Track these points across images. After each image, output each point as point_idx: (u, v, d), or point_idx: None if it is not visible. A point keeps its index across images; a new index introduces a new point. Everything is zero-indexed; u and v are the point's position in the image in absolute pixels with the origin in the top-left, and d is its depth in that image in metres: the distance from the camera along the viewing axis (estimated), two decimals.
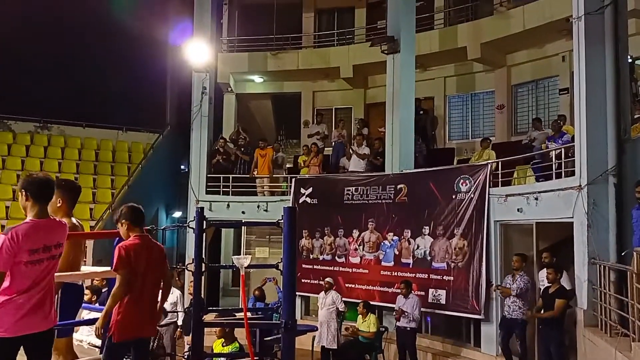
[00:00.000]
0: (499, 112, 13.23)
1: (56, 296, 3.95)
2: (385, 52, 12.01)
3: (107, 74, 18.13)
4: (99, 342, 4.96)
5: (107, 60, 18.47)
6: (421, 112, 13.02)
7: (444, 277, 9.96)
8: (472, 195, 9.78)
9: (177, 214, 19.62)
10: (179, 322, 8.60)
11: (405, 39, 11.94)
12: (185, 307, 8.44)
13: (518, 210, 9.25)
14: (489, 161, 10.14)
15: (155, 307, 4.13)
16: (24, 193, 3.36)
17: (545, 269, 8.48)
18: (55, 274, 3.52)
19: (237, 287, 13.37)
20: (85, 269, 4.49)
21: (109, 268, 4.65)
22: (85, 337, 5.82)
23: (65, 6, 17.45)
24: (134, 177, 16.57)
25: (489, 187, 9.63)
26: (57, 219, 3.53)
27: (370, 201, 11.34)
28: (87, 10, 18.32)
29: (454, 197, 10.02)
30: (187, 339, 7.96)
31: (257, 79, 15.95)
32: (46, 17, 17.34)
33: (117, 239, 4.48)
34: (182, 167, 19.22)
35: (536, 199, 8.96)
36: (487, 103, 13.63)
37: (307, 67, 14.84)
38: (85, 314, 5.53)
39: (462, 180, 9.98)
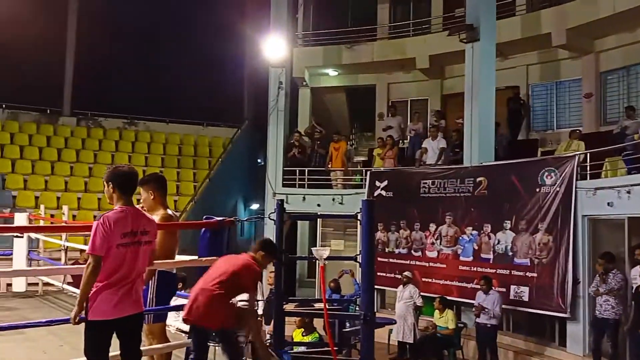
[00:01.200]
0: (587, 101, 12.50)
1: (152, 283, 4.18)
2: (464, 40, 11.67)
3: (188, 72, 18.82)
4: (186, 328, 5.20)
5: (188, 59, 19.17)
6: (521, 101, 12.56)
7: (527, 274, 9.58)
8: (557, 189, 9.33)
9: (255, 206, 20.13)
10: (259, 311, 8.85)
11: (485, 26, 11.54)
12: (264, 297, 8.68)
13: (608, 204, 8.73)
14: (576, 152, 9.63)
15: None
16: (110, 185, 3.57)
17: (637, 266, 7.97)
18: (155, 261, 3.73)
19: (313, 279, 13.54)
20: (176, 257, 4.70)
21: (195, 257, 4.87)
22: (172, 322, 6.09)
23: (149, 8, 18.28)
24: (215, 170, 17.18)
25: (577, 180, 9.15)
26: (140, 209, 3.74)
27: (447, 194, 11.10)
28: (168, 10, 19.11)
29: (537, 190, 9.60)
30: (267, 328, 8.18)
31: (332, 72, 15.99)
32: (133, 20, 18.25)
33: (203, 230, 4.67)
34: (259, 160, 19.69)
35: (628, 192, 8.42)
36: (574, 92, 12.92)
37: (382, 59, 14.70)
38: (172, 301, 5.80)
39: (546, 173, 9.54)
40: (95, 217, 14.22)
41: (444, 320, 9.76)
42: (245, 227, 19.20)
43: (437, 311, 9.89)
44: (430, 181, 11.38)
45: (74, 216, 13.61)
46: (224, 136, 19.42)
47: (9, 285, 9.21)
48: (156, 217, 4.26)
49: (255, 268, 4.29)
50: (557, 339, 9.55)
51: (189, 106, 18.88)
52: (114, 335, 3.56)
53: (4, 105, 17.10)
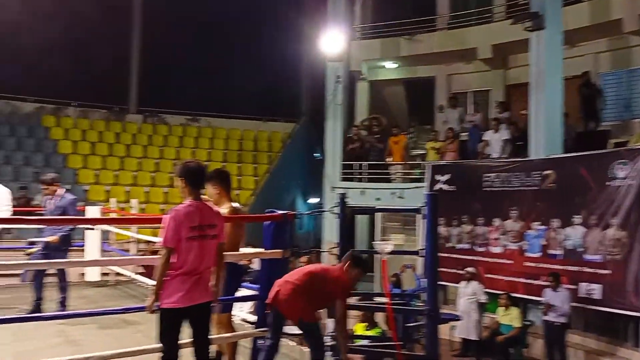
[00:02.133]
0: None
1: (221, 274, 4.30)
2: (529, 29, 11.25)
3: (247, 68, 19.13)
4: (251, 318, 5.32)
5: (247, 56, 19.48)
6: (595, 87, 12.04)
7: (598, 271, 9.17)
8: (631, 182, 8.86)
9: (313, 200, 20.26)
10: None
11: (550, 13, 11.08)
12: None
13: None
14: None
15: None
16: (181, 179, 3.72)
17: None
18: (223, 253, 3.86)
19: (371, 273, 13.47)
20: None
21: (261, 249, 4.96)
22: (237, 312, 6.24)
23: (210, 6, 18.70)
24: (274, 164, 17.41)
25: None
26: (208, 204, 3.84)
27: (512, 188, 10.76)
28: (228, 8, 19.46)
29: (609, 183, 9.15)
30: (329, 320, 8.22)
31: (390, 65, 15.83)
32: (194, 18, 18.74)
33: (268, 223, 4.74)
34: (317, 154, 19.78)
35: None
36: None
37: (442, 50, 14.41)
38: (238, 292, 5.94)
39: (619, 166, 9.07)
40: (162, 210, 14.82)
41: (509, 317, 9.50)
42: (305, 221, 19.36)
43: (501, 308, 9.64)
44: (494, 174, 11.07)
45: (142, 209, 14.15)
46: (283, 131, 19.65)
47: (83, 274, 9.69)
48: (223, 210, 4.38)
49: (344, 279, 4.50)
50: (631, 339, 9.10)
51: (248, 102, 19.20)
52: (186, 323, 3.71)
53: (75, 104, 17.96)
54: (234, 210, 4.43)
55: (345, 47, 14.18)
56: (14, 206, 11.72)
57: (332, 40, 13.71)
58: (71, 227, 6.47)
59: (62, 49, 17.33)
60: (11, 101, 17.12)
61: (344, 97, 14.37)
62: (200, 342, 3.76)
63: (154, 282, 3.71)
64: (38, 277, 6.36)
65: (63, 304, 6.45)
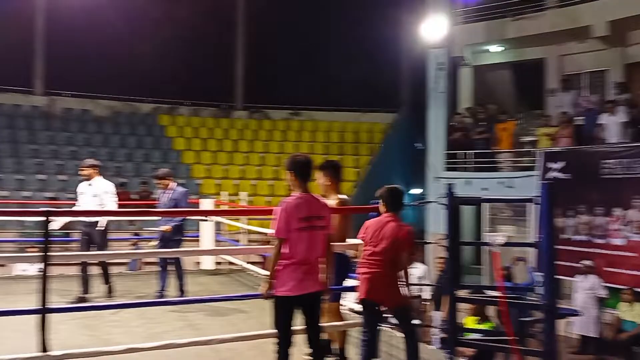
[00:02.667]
0: None
1: (330, 265, 4.40)
2: None
3: (346, 60, 19.24)
4: (357, 307, 5.37)
5: (346, 48, 19.57)
6: None
7: None
8: None
9: (415, 191, 19.97)
10: (424, 296, 8.80)
11: None
12: (432, 281, 8.59)
13: None
14: None
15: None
16: (291, 172, 3.82)
17: None
18: (331, 244, 3.95)
19: (479, 265, 13.07)
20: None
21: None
22: (345, 302, 6.32)
23: (308, 1, 19.04)
24: (375, 156, 17.39)
25: None
26: (316, 196, 3.91)
27: (635, 175, 9.92)
28: (327, 1, 19.67)
29: None
30: (435, 313, 8.10)
31: (495, 48, 15.13)
32: (294, 16, 19.16)
33: (374, 213, 4.75)
34: (419, 144, 19.45)
35: None
36: None
37: (552, 30, 13.53)
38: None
39: None
40: (267, 201, 15.38)
41: (633, 314, 8.79)
42: (408, 212, 19.14)
43: (624, 304, 8.95)
44: (615, 161, 10.26)
45: (250, 201, 14.76)
46: (383, 121, 19.55)
47: (198, 263, 10.30)
48: (331, 202, 4.46)
49: (408, 227, 4.31)
50: None
51: (348, 94, 19.30)
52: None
53: (188, 103, 19.09)
54: (342, 202, 4.51)
55: (447, 33, 13.78)
56: (136, 200, 12.82)
57: (432, 26, 13.39)
58: (183, 217, 6.91)
59: (173, 53, 18.53)
60: (131, 103, 18.55)
61: (447, 85, 13.98)
62: (312, 330, 3.88)
63: (266, 271, 3.87)
64: (164, 266, 6.83)
65: (182, 290, 6.89)
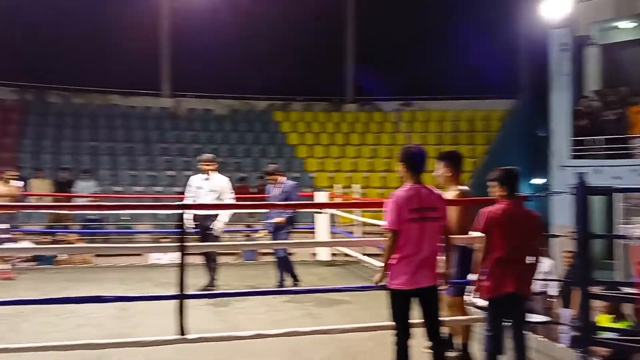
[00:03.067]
0: None
1: (453, 258, 4.30)
2: None
3: (458, 46, 18.60)
4: (479, 302, 5.18)
5: (458, 32, 18.91)
6: None
7: None
8: None
9: (537, 181, 18.86)
10: (550, 292, 8.31)
11: None
12: (559, 277, 8.08)
13: None
14: None
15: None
16: (402, 164, 3.81)
17: None
18: (450, 237, 3.85)
19: (611, 260, 12.06)
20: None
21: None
22: (466, 296, 6.14)
23: None
24: (492, 145, 16.68)
25: None
26: (429, 187, 3.82)
27: None
28: None
29: None
30: (564, 310, 7.61)
31: (625, 24, 13.81)
32: (403, 3, 18.89)
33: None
34: (540, 131, 18.33)
35: None
36: None
37: None
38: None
39: None
40: (380, 193, 15.37)
41: None
42: (530, 203, 18.14)
43: None
44: None
45: (362, 194, 14.84)
46: (500, 108, 18.68)
47: (314, 254, 10.56)
48: (451, 193, 4.35)
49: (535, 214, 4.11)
50: None
51: (461, 81, 18.65)
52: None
53: (300, 99, 19.59)
54: (463, 194, 4.39)
55: (571, 10, 12.80)
56: (253, 193, 13.42)
57: (554, 4, 12.51)
58: (294, 210, 7.11)
59: (286, 52, 19.10)
60: (247, 100, 19.42)
61: (571, 67, 13.01)
62: (430, 323, 3.84)
63: (381, 263, 3.87)
64: (283, 257, 7.08)
65: (295, 279, 7.09)
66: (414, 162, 3.80)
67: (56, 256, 10.24)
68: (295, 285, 7.02)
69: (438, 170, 4.49)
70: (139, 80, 18.29)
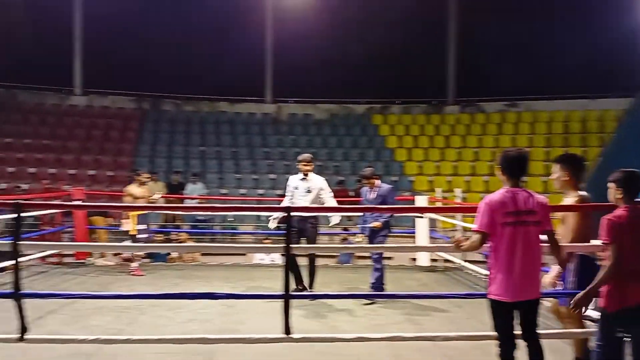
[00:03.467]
0: None
1: (573, 267, 4.07)
2: None
3: (567, 43, 17.54)
4: (594, 314, 4.85)
5: (567, 28, 17.85)
6: None
7: None
8: None
9: None
10: None
11: None
12: None
13: None
14: None
15: None
16: (500, 168, 3.71)
17: None
18: (566, 244, 3.63)
19: None
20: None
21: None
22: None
23: None
24: (607, 147, 15.55)
25: None
26: (529, 191, 3.64)
27: None
28: None
29: None
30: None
31: None
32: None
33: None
34: None
35: None
36: None
37: None
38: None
39: None
40: (482, 198, 14.79)
41: None
42: None
43: None
44: None
45: (464, 198, 14.43)
46: (616, 108, 17.36)
47: (413, 259, 10.40)
48: (570, 199, 4.13)
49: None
50: None
51: (572, 79, 17.56)
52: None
53: (399, 102, 19.44)
54: (582, 200, 4.14)
55: None
56: (352, 197, 13.47)
57: None
58: (390, 214, 6.96)
59: (384, 55, 19.08)
60: (346, 104, 19.60)
61: None
62: (527, 338, 3.66)
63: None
64: (378, 260, 7.03)
65: (378, 284, 6.95)
66: (512, 165, 3.67)
67: (169, 254, 10.95)
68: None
69: (554, 173, 4.26)
70: (244, 88, 19.18)
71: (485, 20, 18.46)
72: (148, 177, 8.84)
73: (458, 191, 11.08)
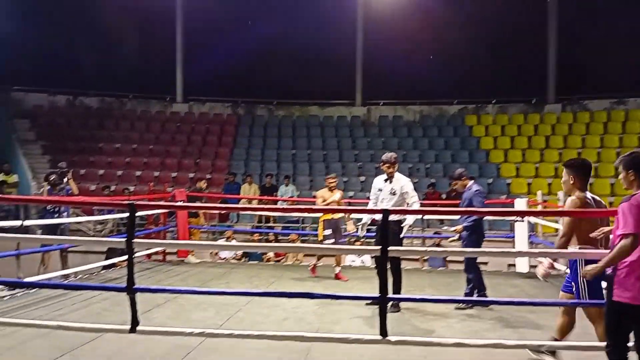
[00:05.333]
0: None
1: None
2: None
3: None
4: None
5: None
6: None
7: None
8: None
9: None
10: None
11: None
12: None
13: None
14: None
15: None
16: (631, 172, 3.52)
17: None
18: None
19: None
20: None
21: None
22: None
23: None
24: None
25: None
26: None
27: None
28: None
29: None
30: None
31: None
32: None
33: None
34: None
35: None
36: None
37: None
38: None
39: None
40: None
41: None
42: None
43: None
44: None
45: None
46: None
47: (511, 265, 9.97)
48: (570, 199, 4.18)
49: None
50: None
51: None
52: None
53: (494, 101, 18.74)
54: (579, 200, 4.13)
55: None
56: (443, 199, 13.14)
57: None
58: (476, 217, 6.56)
59: (479, 53, 18.46)
60: (439, 105, 19.20)
61: None
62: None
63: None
64: (470, 265, 6.77)
65: (473, 290, 6.67)
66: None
67: (265, 253, 11.28)
68: (481, 294, 6.60)
69: (563, 177, 4.17)
70: (334, 92, 19.38)
71: (589, 11, 17.35)
72: (334, 181, 8.51)
73: (560, 194, 10.48)
